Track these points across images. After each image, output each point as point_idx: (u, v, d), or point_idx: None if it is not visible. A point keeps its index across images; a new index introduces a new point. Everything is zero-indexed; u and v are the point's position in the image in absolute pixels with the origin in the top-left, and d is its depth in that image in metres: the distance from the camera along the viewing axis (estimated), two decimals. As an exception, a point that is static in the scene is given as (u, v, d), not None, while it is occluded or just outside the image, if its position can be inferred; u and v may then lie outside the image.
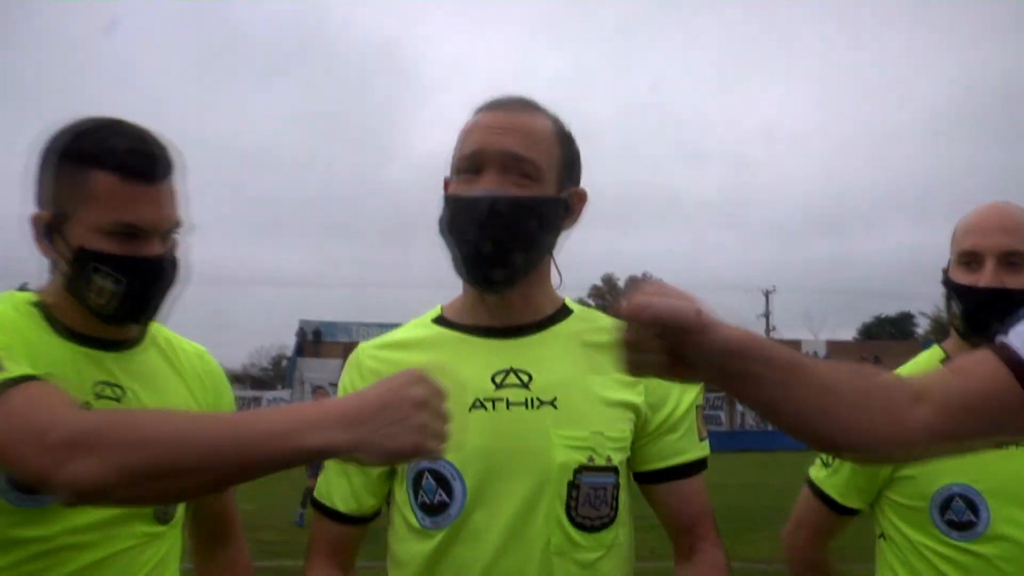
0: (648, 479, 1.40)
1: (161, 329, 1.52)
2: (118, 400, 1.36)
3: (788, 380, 0.94)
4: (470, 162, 1.30)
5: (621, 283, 65.04)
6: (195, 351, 1.56)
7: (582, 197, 1.38)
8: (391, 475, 1.38)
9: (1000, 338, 0.99)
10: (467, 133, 1.33)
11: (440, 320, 1.43)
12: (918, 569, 1.65)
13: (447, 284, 1.42)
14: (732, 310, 1.05)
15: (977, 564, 1.58)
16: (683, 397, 1.40)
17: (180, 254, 1.39)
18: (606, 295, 65.80)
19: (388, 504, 1.42)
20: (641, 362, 0.93)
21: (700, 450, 1.42)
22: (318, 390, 14.71)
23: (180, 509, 1.46)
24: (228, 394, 1.60)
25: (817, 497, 1.80)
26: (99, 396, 1.34)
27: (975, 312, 1.64)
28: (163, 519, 1.40)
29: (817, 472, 1.81)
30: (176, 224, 1.37)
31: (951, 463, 1.60)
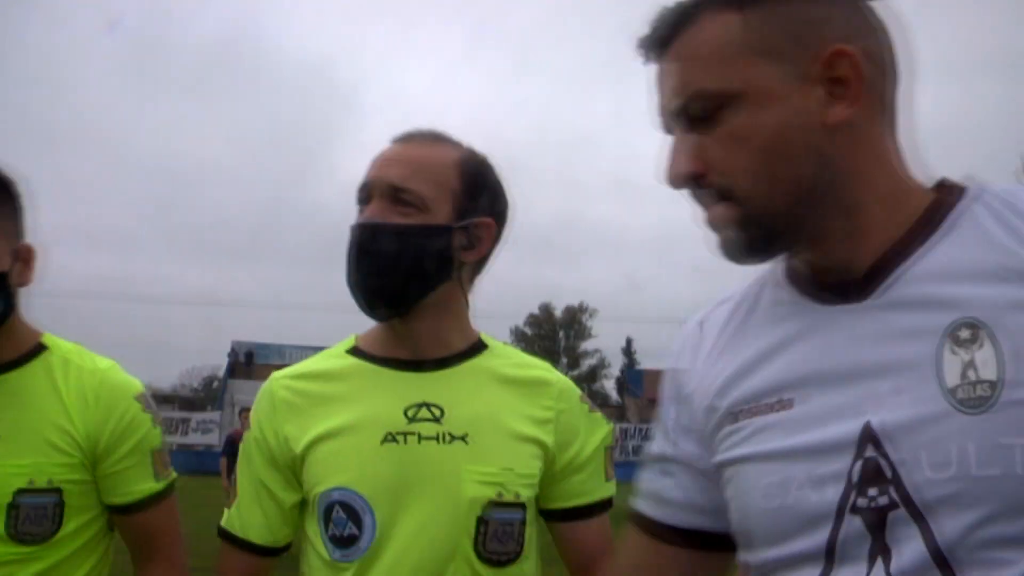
0: (553, 517, 1.42)
1: (64, 349, 1.51)
2: None
3: None
4: (362, 193, 1.35)
5: (558, 312, 65.56)
6: (93, 368, 1.50)
7: (488, 227, 1.38)
8: (302, 506, 1.37)
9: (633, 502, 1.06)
10: (368, 166, 1.37)
11: (354, 351, 1.42)
12: None
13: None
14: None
15: None
16: (590, 438, 1.42)
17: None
18: (543, 323, 66.21)
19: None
20: None
21: (605, 490, 1.44)
22: (243, 412, 14.39)
23: (65, 529, 1.41)
24: (123, 409, 1.49)
25: None
26: None
27: None
28: (23, 539, 1.37)
29: None
30: None
31: None
